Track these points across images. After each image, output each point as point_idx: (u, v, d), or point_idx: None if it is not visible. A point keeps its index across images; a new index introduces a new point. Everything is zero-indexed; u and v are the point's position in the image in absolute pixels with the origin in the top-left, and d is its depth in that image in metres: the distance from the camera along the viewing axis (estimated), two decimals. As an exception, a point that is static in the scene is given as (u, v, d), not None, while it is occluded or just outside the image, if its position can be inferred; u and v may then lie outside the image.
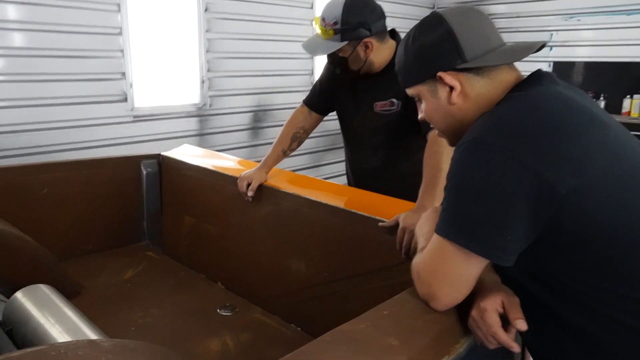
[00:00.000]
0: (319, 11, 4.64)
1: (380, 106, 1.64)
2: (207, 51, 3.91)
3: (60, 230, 2.07)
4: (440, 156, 1.41)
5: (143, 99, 3.67)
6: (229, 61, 4.08)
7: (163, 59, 3.76)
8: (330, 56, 1.60)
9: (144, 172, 2.27)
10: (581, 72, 4.85)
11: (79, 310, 1.33)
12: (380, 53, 1.59)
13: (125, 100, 3.49)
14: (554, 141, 0.73)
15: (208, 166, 2.05)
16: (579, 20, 4.88)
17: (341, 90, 1.76)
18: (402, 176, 1.72)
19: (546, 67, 5.09)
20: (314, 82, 1.87)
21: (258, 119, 4.43)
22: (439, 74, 0.87)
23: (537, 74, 0.87)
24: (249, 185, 1.77)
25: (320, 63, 4.79)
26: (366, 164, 1.76)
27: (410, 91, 0.96)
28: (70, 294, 1.69)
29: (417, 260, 0.87)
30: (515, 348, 0.78)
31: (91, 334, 1.19)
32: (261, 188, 1.78)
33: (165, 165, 2.27)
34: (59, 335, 1.18)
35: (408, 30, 0.97)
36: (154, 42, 3.67)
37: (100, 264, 2.09)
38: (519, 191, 0.72)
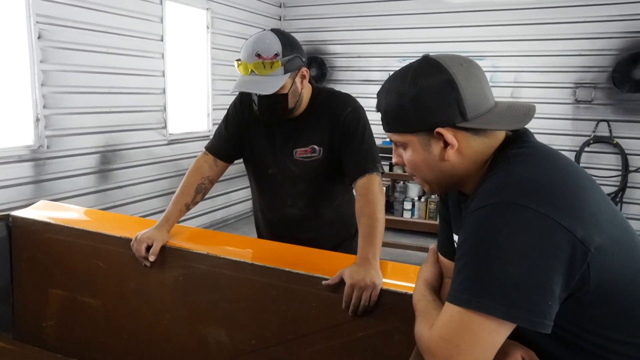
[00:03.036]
0: (169, 44, 4.43)
1: (300, 153, 1.57)
2: (43, 85, 3.35)
3: None
4: (375, 205, 1.39)
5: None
6: (70, 96, 3.57)
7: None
8: (272, 96, 1.46)
9: (-12, 240, 1.78)
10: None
11: None
12: (307, 90, 1.54)
13: None
14: (578, 198, 0.75)
15: (86, 227, 1.70)
16: (428, 54, 5.51)
17: (252, 135, 1.64)
18: (323, 224, 1.66)
19: (387, 104, 5.61)
20: (218, 127, 1.70)
21: (107, 160, 3.95)
22: (438, 129, 0.83)
23: (522, 129, 0.89)
24: (148, 248, 1.51)
25: (172, 97, 4.52)
26: (284, 214, 1.66)
27: (395, 137, 0.89)
28: None
29: (428, 335, 0.79)
30: None
31: None
32: (165, 250, 1.54)
33: (18, 229, 1.82)
34: None
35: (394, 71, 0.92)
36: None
37: None
38: (558, 253, 0.71)
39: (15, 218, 1.82)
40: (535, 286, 0.71)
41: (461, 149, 0.85)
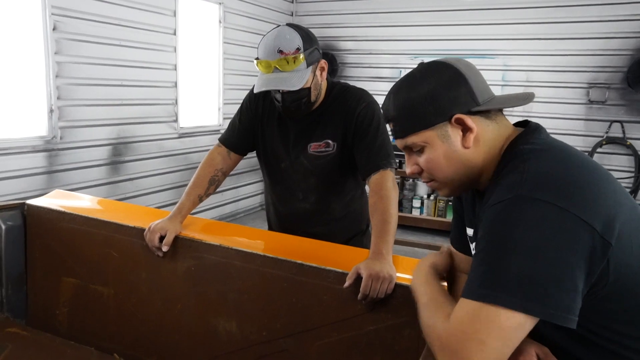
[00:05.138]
0: (182, 37, 4.44)
1: (314, 147, 1.57)
2: (57, 76, 3.39)
3: None
4: (388, 201, 1.39)
5: (-28, 131, 3.00)
6: (83, 88, 3.60)
7: (-1, 83, 3.14)
8: (297, 91, 1.45)
9: (3, 227, 1.81)
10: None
11: None
12: (324, 83, 1.54)
13: (-52, 132, 2.81)
14: (596, 192, 0.75)
15: (99, 216, 1.72)
16: (423, 60, 5.50)
17: (266, 128, 1.64)
18: (334, 219, 1.67)
19: (397, 101, 5.60)
20: (232, 119, 1.71)
21: (118, 152, 3.98)
22: (458, 115, 0.85)
23: (534, 124, 0.90)
24: (161, 238, 1.53)
25: (184, 90, 4.54)
26: (295, 208, 1.66)
27: (413, 139, 0.90)
28: None
29: (444, 328, 0.78)
30: None
31: None
32: (177, 240, 1.55)
33: (32, 217, 1.85)
34: None
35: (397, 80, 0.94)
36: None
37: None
38: (579, 247, 0.71)
39: (30, 206, 1.85)
40: (553, 279, 0.70)
41: (478, 136, 0.87)
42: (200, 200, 1.64)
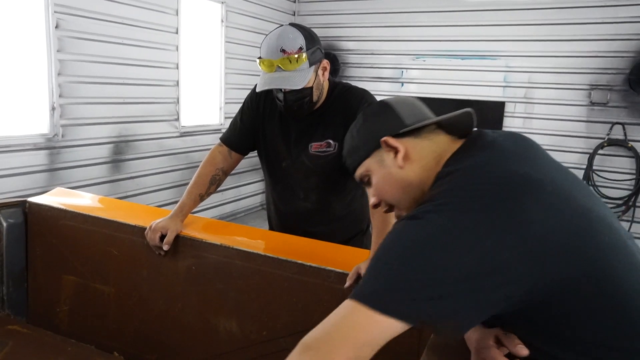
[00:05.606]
0: (184, 36, 4.45)
1: (316, 147, 1.57)
2: (59, 74, 3.39)
3: None
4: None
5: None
6: (85, 86, 3.60)
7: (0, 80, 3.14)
8: (299, 90, 1.46)
9: (4, 224, 1.81)
10: (428, 106, 5.43)
11: None
12: (325, 83, 1.54)
13: (-50, 130, 2.82)
14: (486, 217, 0.73)
15: (100, 214, 1.72)
16: (424, 60, 5.50)
17: (267, 128, 1.65)
18: (334, 219, 1.67)
19: (399, 102, 5.60)
20: (233, 119, 1.71)
21: (119, 150, 3.98)
22: (383, 139, 0.92)
23: (470, 138, 0.91)
24: (162, 237, 1.53)
25: (185, 89, 4.54)
26: (296, 208, 1.66)
27: (360, 171, 0.98)
28: None
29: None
30: None
31: None
32: (178, 239, 1.55)
33: (34, 215, 1.85)
34: None
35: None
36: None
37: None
38: (453, 264, 0.72)
39: (32, 204, 1.85)
40: (417, 288, 0.71)
41: (409, 154, 0.92)
42: (202, 199, 1.65)
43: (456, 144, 0.91)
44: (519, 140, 0.90)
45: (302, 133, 1.58)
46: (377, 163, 0.95)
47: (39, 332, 1.79)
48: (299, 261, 1.37)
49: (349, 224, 1.71)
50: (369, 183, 0.99)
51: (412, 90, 5.57)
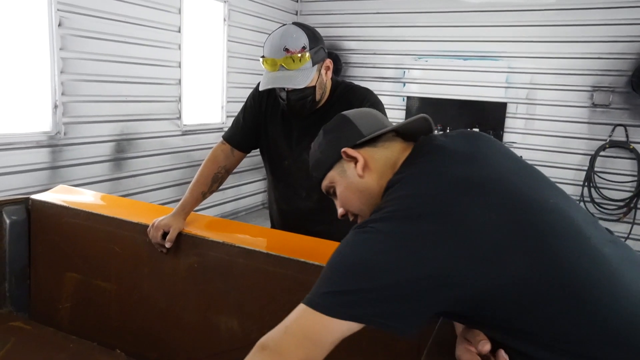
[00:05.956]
0: (186, 35, 4.45)
1: (318, 146, 1.57)
2: (62, 72, 3.40)
3: None
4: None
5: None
6: (87, 84, 3.61)
7: (2, 77, 3.15)
8: (301, 89, 1.47)
9: (7, 222, 1.82)
10: (429, 107, 5.45)
11: None
12: (328, 82, 1.54)
13: (-48, 127, 2.83)
14: (429, 222, 0.77)
15: (103, 212, 1.72)
16: (427, 61, 5.50)
17: (269, 126, 1.65)
18: (336, 218, 1.66)
19: (400, 102, 5.60)
20: (235, 117, 1.71)
21: (121, 149, 3.99)
22: (343, 150, 0.97)
23: (417, 145, 0.95)
24: (164, 235, 1.53)
25: (188, 88, 4.55)
26: (298, 207, 1.67)
27: (325, 183, 1.03)
28: None
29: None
30: None
31: None
32: (180, 237, 1.56)
33: (36, 212, 1.85)
34: None
35: None
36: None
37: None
38: (394, 268, 0.76)
39: (35, 201, 1.86)
40: (350, 291, 0.77)
41: (368, 163, 0.96)
42: (204, 197, 1.65)
43: (408, 150, 0.95)
44: (471, 139, 0.93)
45: (304, 132, 1.59)
46: (339, 174, 0.99)
47: (41, 328, 1.79)
48: (301, 259, 1.38)
49: (351, 223, 1.71)
50: (334, 194, 1.03)
51: (414, 90, 5.57)
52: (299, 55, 1.42)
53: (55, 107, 3.40)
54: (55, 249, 1.82)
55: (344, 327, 0.77)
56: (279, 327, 0.81)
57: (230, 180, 1.73)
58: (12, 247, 1.84)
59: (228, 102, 5.12)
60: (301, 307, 0.80)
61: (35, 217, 1.86)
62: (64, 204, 1.80)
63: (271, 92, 1.63)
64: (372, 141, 0.98)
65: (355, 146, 0.97)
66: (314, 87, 1.49)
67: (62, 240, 1.80)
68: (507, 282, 0.74)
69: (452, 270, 0.74)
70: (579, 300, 0.74)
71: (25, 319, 1.84)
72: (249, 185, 5.61)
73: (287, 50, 1.42)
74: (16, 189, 3.16)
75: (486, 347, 0.79)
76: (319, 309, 0.77)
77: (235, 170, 1.80)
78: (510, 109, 5.17)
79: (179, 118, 4.52)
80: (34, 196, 1.87)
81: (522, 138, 5.06)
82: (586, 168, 4.88)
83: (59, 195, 1.90)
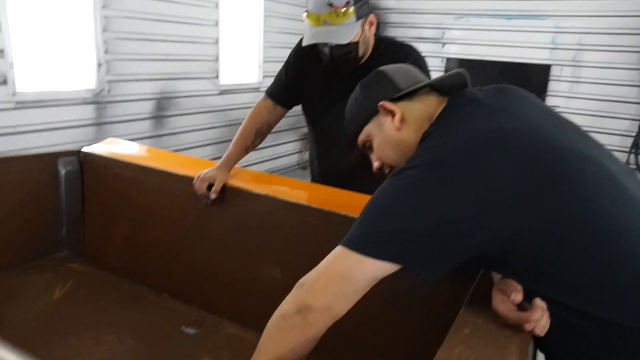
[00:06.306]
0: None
1: (360, 102, 1.58)
2: (104, 30, 3.46)
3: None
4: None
5: (27, 82, 3.14)
6: (129, 43, 3.67)
7: (50, 35, 3.24)
8: (345, 45, 1.46)
9: (62, 172, 1.92)
10: (469, 68, 5.27)
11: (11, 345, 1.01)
12: (371, 38, 1.53)
13: (5, 83, 2.95)
14: (463, 173, 0.80)
15: (150, 164, 1.80)
16: (468, 20, 5.31)
17: (311, 82, 1.66)
18: (378, 175, 1.68)
19: (439, 63, 5.46)
20: (278, 72, 1.73)
21: (162, 107, 4.08)
22: (380, 103, 0.99)
23: (452, 98, 0.96)
24: (209, 187, 1.59)
25: (225, 47, 4.56)
26: (339, 164, 1.69)
27: (361, 137, 1.06)
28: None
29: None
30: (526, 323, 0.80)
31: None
32: (225, 189, 1.62)
33: (88, 164, 1.95)
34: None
35: None
36: (38, 15, 3.14)
37: (15, 283, 1.73)
38: (429, 212, 0.81)
39: (86, 154, 1.95)
40: (382, 231, 0.82)
41: (405, 117, 0.98)
42: (247, 151, 1.70)
43: (444, 104, 0.97)
44: (505, 92, 0.96)
45: (346, 88, 1.58)
46: (376, 128, 1.02)
47: (96, 271, 1.91)
48: (342, 212, 1.41)
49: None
50: (370, 148, 1.05)
51: (453, 51, 5.41)
52: (343, 9, 1.40)
53: (99, 65, 3.49)
54: (106, 198, 1.92)
55: (377, 267, 0.82)
56: (316, 267, 0.88)
57: (266, 140, 1.76)
58: (67, 195, 1.95)
59: (265, 62, 5.11)
60: (337, 249, 0.86)
61: (87, 168, 1.96)
62: (113, 157, 1.88)
63: (313, 48, 1.62)
64: (408, 95, 1.00)
65: (392, 100, 0.99)
66: (357, 42, 1.48)
67: (112, 190, 1.90)
68: (532, 227, 0.78)
69: (477, 216, 0.78)
70: (613, 245, 0.77)
71: (81, 262, 1.97)
72: (285, 145, 5.66)
73: (331, 4, 1.41)
74: (65, 143, 3.30)
75: (518, 297, 0.81)
76: (353, 248, 0.83)
77: (272, 131, 1.83)
78: (554, 71, 4.97)
79: (217, 77, 4.56)
80: (85, 148, 1.97)
81: (565, 102, 4.88)
82: (634, 134, 4.69)
83: (108, 147, 1.99)
